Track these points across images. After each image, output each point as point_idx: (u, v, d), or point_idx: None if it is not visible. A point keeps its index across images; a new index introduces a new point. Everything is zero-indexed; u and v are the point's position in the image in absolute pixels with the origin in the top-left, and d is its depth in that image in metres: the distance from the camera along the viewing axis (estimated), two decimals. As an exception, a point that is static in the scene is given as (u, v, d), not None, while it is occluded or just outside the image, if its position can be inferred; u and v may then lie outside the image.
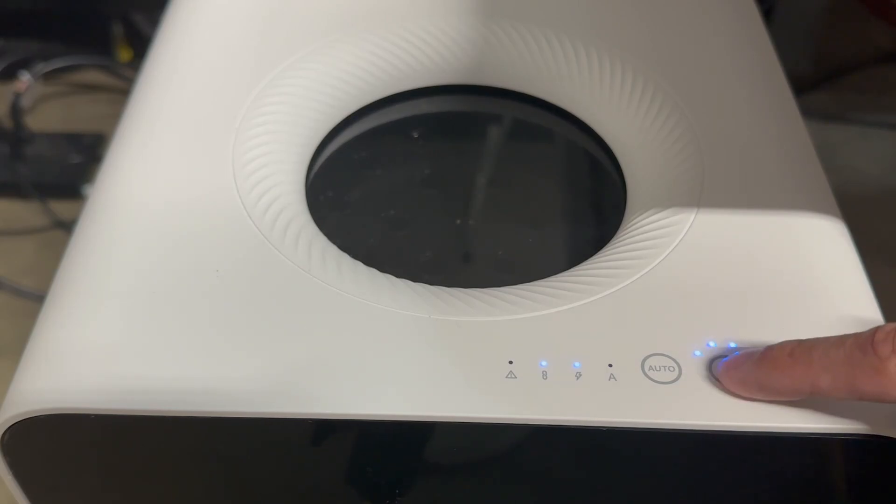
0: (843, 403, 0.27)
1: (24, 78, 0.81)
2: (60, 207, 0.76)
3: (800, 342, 0.26)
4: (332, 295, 0.30)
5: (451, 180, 0.41)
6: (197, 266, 0.31)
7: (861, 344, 0.24)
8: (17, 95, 0.79)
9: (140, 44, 0.87)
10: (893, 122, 0.84)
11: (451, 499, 0.31)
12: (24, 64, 0.83)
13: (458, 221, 0.38)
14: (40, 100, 0.87)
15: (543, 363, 0.28)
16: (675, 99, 0.39)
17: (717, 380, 0.28)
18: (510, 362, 0.28)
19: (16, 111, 0.79)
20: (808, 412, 0.27)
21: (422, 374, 0.28)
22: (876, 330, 0.24)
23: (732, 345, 0.29)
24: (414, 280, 0.32)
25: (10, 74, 0.83)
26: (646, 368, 0.28)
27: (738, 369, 0.27)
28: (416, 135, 0.42)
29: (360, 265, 0.32)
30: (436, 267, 0.36)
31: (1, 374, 0.58)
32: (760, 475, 0.29)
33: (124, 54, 0.89)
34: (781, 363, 0.26)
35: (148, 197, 0.34)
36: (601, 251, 0.34)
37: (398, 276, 0.32)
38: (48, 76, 0.85)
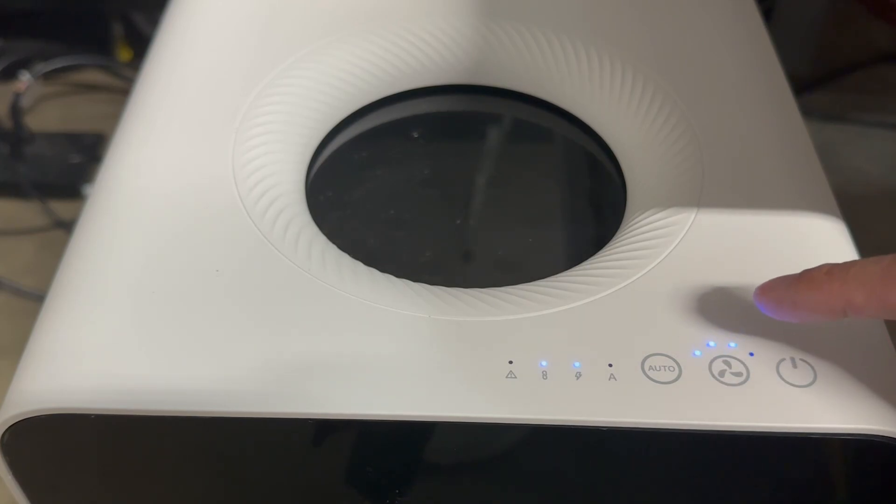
0: (842, 402, 0.27)
1: (24, 78, 0.81)
2: (60, 207, 0.76)
3: (836, 263, 0.26)
4: (332, 295, 0.30)
5: (451, 180, 0.41)
6: (197, 266, 0.31)
7: None
8: (17, 95, 0.79)
9: (140, 44, 0.86)
10: (893, 122, 0.84)
11: (451, 499, 0.31)
12: (24, 64, 0.83)
13: (458, 221, 0.38)
14: (40, 100, 0.87)
15: (543, 363, 0.28)
16: (674, 99, 0.39)
17: (756, 302, 0.28)
18: (510, 362, 0.28)
19: (16, 111, 0.78)
20: (809, 412, 0.27)
21: (422, 374, 0.28)
22: None
23: (732, 344, 0.29)
24: (414, 280, 0.32)
25: (10, 74, 0.83)
26: (646, 368, 0.28)
27: (773, 290, 0.28)
28: (416, 135, 0.42)
29: (360, 265, 0.32)
30: (436, 267, 0.36)
31: (1, 374, 0.58)
32: (760, 475, 0.29)
33: (124, 54, 0.89)
34: (818, 280, 0.26)
35: (148, 196, 0.34)
36: (601, 251, 0.34)
37: (398, 276, 0.32)
38: (48, 76, 0.85)
